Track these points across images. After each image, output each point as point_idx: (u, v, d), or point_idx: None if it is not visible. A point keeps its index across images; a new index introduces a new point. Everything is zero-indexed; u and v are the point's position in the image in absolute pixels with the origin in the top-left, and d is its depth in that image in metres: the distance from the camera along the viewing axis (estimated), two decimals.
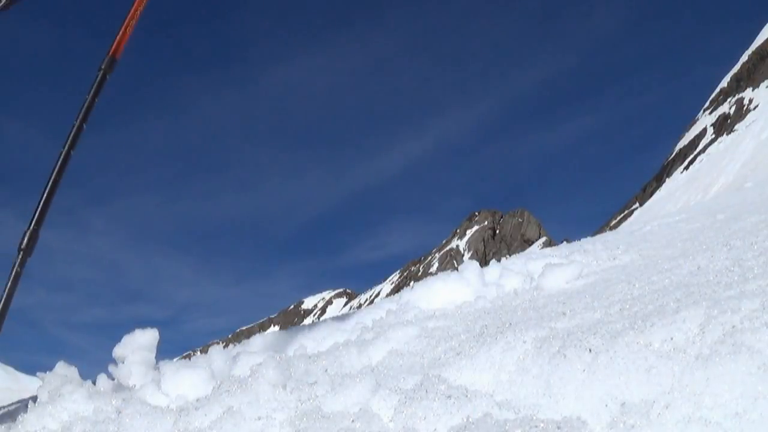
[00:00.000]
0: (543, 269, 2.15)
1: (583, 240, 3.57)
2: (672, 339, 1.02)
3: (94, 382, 1.86)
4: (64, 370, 1.57)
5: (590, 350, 1.03)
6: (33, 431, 1.33)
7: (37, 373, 1.59)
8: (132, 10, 1.69)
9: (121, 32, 1.67)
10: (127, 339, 1.84)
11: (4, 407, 1.51)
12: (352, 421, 1.04)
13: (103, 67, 1.65)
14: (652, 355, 0.96)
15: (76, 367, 1.62)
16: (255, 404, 1.15)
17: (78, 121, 1.52)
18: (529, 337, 1.20)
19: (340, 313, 2.51)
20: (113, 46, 1.66)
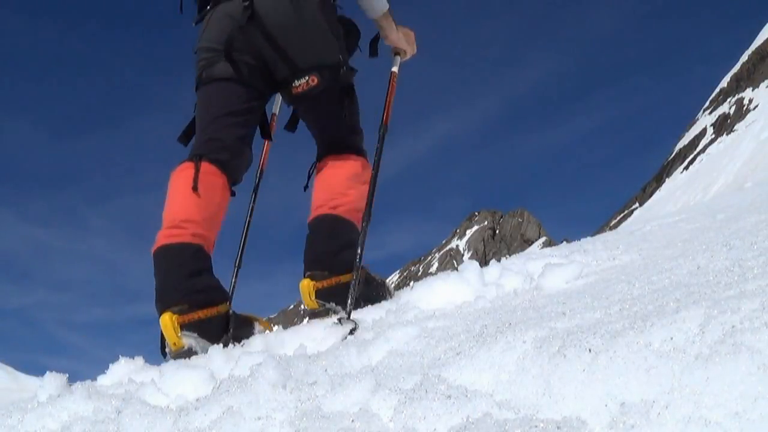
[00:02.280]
0: (543, 269, 2.15)
1: (583, 240, 3.56)
2: (672, 339, 1.02)
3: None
4: (53, 380, 1.56)
5: (590, 350, 1.03)
6: (33, 431, 1.33)
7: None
8: (390, 89, 2.44)
9: (386, 107, 2.38)
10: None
11: (4, 407, 1.51)
12: (352, 421, 1.04)
13: (381, 132, 2.31)
14: (652, 355, 0.96)
15: (68, 374, 1.61)
16: (255, 404, 1.15)
17: (375, 171, 2.26)
18: (529, 337, 1.20)
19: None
20: (384, 118, 2.36)
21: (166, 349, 1.95)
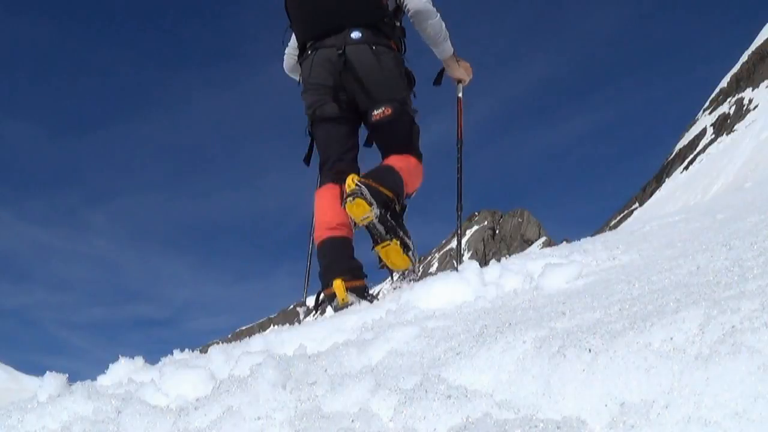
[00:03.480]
0: (543, 269, 2.15)
1: (582, 240, 3.56)
2: (672, 339, 1.02)
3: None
4: (53, 380, 1.56)
5: (590, 350, 1.03)
6: (33, 431, 1.33)
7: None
8: (459, 111, 3.28)
9: (459, 125, 3.24)
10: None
11: (4, 407, 1.51)
12: (352, 420, 1.04)
13: (459, 146, 3.18)
14: (652, 355, 0.96)
15: (68, 374, 1.61)
16: (254, 404, 1.15)
17: (459, 174, 3.22)
18: (528, 337, 1.20)
19: (339, 313, 2.51)
20: (459, 134, 3.22)
21: (333, 303, 2.73)
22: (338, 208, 2.78)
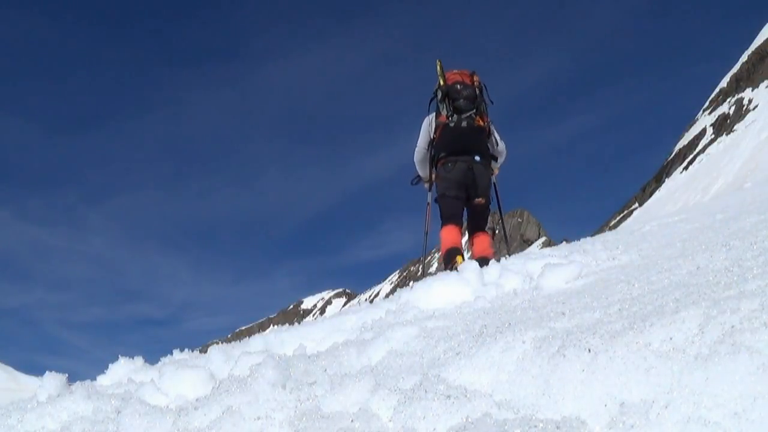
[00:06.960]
0: (542, 269, 2.15)
1: (582, 240, 3.57)
2: (671, 339, 1.02)
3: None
4: (53, 380, 1.56)
5: (589, 350, 1.03)
6: (33, 431, 1.33)
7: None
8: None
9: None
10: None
11: (3, 407, 1.51)
12: (352, 420, 1.04)
13: (499, 207, 5.74)
14: (652, 355, 0.96)
15: (68, 374, 1.61)
16: (254, 404, 1.15)
17: (500, 215, 6.03)
18: (528, 337, 1.20)
19: (339, 313, 2.51)
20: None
21: (456, 264, 4.31)
22: (457, 237, 4.89)
